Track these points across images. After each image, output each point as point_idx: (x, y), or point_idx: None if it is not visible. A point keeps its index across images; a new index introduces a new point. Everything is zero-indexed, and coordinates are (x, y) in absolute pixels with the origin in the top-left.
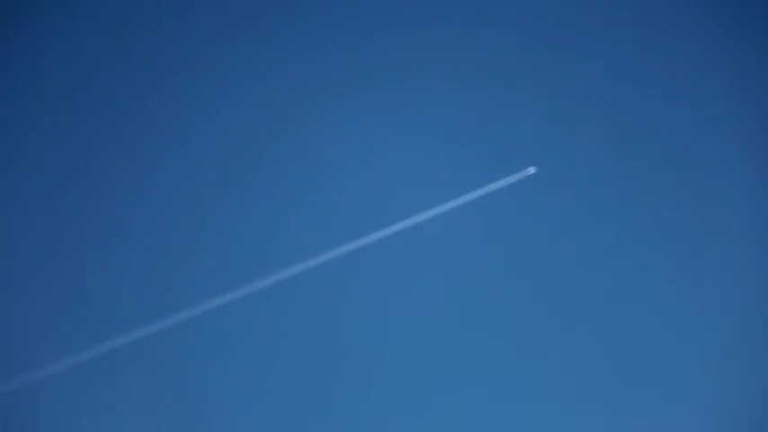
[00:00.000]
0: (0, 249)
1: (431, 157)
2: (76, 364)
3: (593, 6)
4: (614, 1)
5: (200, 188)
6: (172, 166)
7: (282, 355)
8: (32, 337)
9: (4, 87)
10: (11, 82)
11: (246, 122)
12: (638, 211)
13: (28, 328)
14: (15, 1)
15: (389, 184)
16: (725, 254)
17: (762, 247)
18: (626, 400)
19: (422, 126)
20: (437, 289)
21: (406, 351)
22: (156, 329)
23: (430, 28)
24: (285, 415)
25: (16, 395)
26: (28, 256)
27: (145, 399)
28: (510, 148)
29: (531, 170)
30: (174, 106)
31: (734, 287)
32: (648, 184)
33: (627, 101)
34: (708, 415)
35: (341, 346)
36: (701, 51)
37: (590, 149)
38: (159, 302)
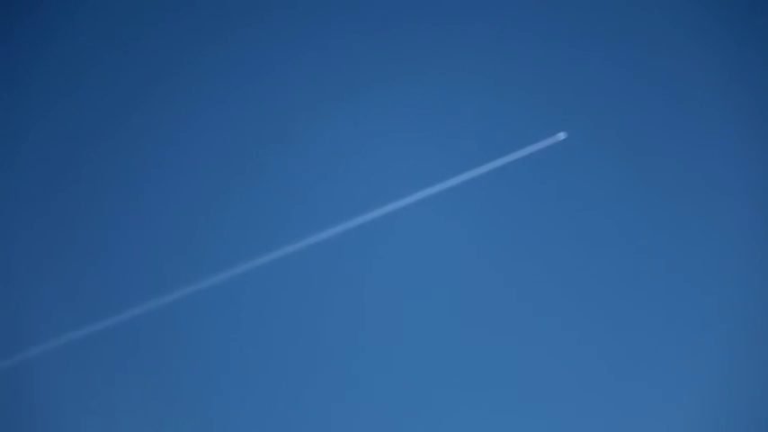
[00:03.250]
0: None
1: (458, 122)
2: (74, 341)
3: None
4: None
5: (189, 180)
6: (169, 157)
7: (278, 338)
8: (31, 314)
9: (5, 83)
10: (11, 79)
11: (246, 116)
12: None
13: (26, 305)
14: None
15: (414, 150)
16: (732, 248)
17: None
18: (630, 391)
19: (449, 93)
20: (460, 256)
21: (416, 337)
22: (151, 309)
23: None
24: (279, 399)
25: (14, 371)
26: (28, 235)
27: (140, 378)
28: (540, 114)
29: (562, 136)
30: (176, 100)
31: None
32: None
33: (631, 99)
34: (709, 410)
35: (340, 330)
36: (704, 45)
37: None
38: (155, 284)
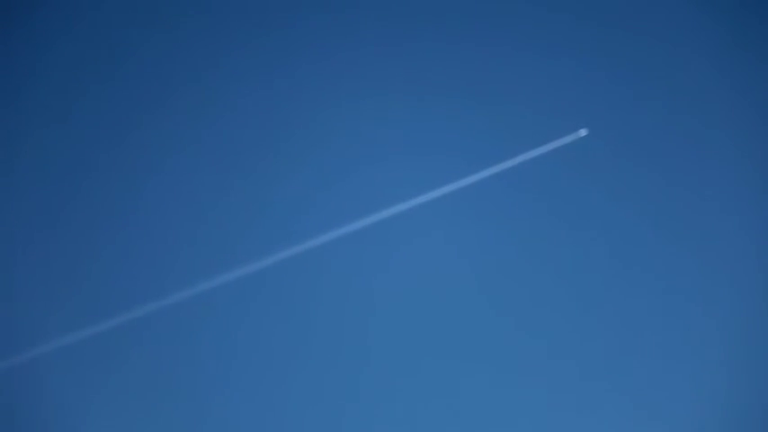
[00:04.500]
0: (1, 228)
1: (474, 119)
2: (77, 342)
3: None
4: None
5: (194, 182)
6: (170, 160)
7: (281, 338)
8: (33, 315)
9: (5, 84)
10: (12, 79)
11: (248, 120)
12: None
13: (28, 306)
14: (19, 2)
15: (430, 147)
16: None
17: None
18: (635, 393)
19: (463, 88)
20: (468, 259)
21: (423, 341)
22: (156, 309)
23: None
24: (281, 398)
25: (16, 372)
26: (27, 238)
27: (144, 379)
28: (560, 110)
29: (583, 132)
30: (177, 104)
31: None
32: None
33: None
34: (711, 414)
35: (343, 334)
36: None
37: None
38: (156, 287)
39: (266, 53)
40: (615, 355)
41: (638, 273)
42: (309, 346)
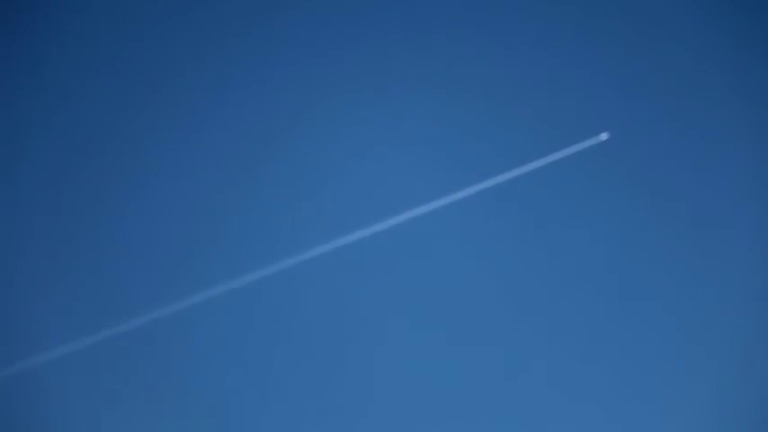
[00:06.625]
0: (4, 234)
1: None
2: (79, 350)
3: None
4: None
5: (199, 184)
6: (172, 162)
7: (286, 343)
8: (35, 322)
9: (5, 89)
10: (12, 84)
11: (248, 122)
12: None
13: (31, 313)
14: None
15: (445, 151)
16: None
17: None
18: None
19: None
20: (470, 270)
21: (428, 348)
22: (158, 318)
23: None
24: (281, 404)
25: (18, 380)
26: (32, 243)
27: (147, 384)
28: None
29: (604, 136)
30: (178, 103)
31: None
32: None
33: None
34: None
35: (346, 338)
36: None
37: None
38: (161, 292)
39: (264, 51)
40: (624, 360)
41: (648, 280)
42: (314, 352)
